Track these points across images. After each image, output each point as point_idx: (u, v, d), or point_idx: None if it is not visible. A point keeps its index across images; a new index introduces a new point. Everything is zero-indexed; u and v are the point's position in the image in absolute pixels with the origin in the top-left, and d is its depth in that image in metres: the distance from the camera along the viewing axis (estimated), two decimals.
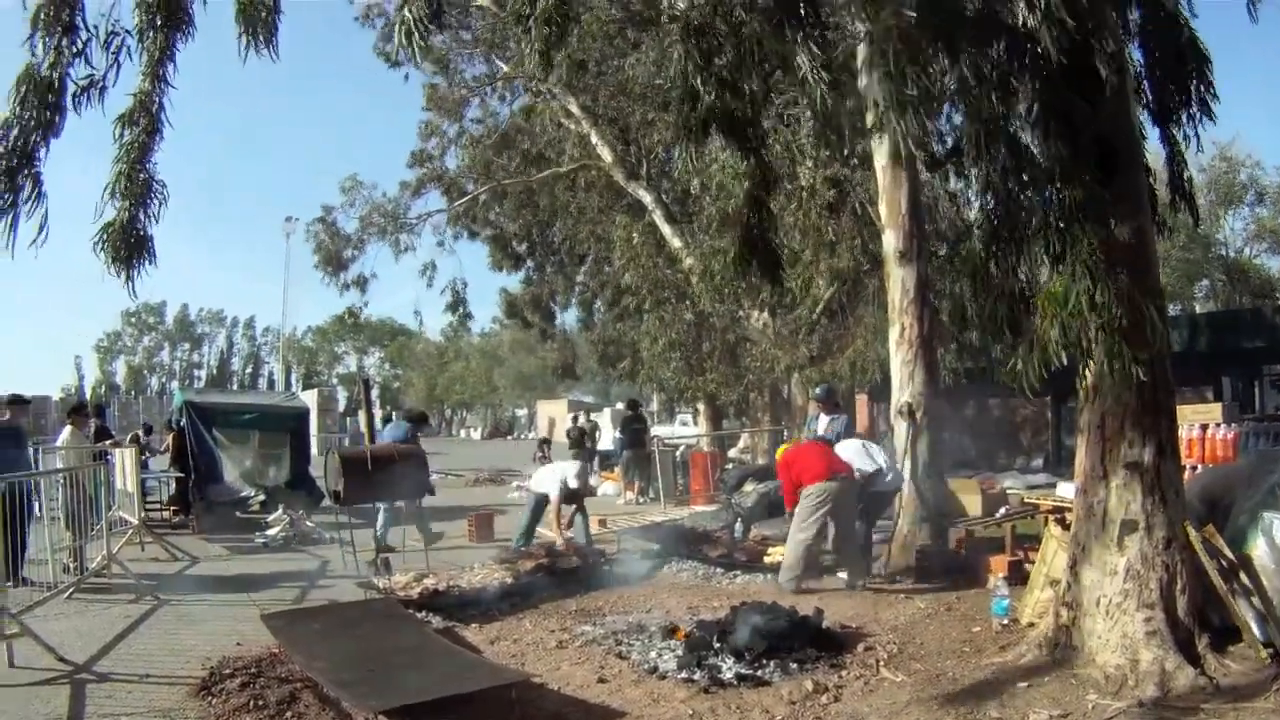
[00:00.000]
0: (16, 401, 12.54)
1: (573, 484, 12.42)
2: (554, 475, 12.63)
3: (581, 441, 27.02)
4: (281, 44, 7.82)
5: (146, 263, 7.49)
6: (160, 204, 7.55)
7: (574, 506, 12.72)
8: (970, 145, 6.79)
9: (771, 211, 8.75)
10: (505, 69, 24.61)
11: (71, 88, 7.23)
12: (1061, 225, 6.32)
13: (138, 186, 7.37)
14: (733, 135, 8.08)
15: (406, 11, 7.48)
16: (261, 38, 7.61)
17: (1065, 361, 6.37)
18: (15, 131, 6.90)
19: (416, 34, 7.29)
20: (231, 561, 13.47)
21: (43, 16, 7.08)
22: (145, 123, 7.47)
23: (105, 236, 7.24)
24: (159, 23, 7.40)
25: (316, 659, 7.25)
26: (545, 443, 29.21)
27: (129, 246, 7.30)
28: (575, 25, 8.05)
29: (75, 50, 7.22)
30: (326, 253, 26.37)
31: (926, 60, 6.79)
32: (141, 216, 7.39)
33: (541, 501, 12.56)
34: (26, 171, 6.90)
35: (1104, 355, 6.21)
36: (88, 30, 7.29)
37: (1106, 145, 6.61)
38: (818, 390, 13.66)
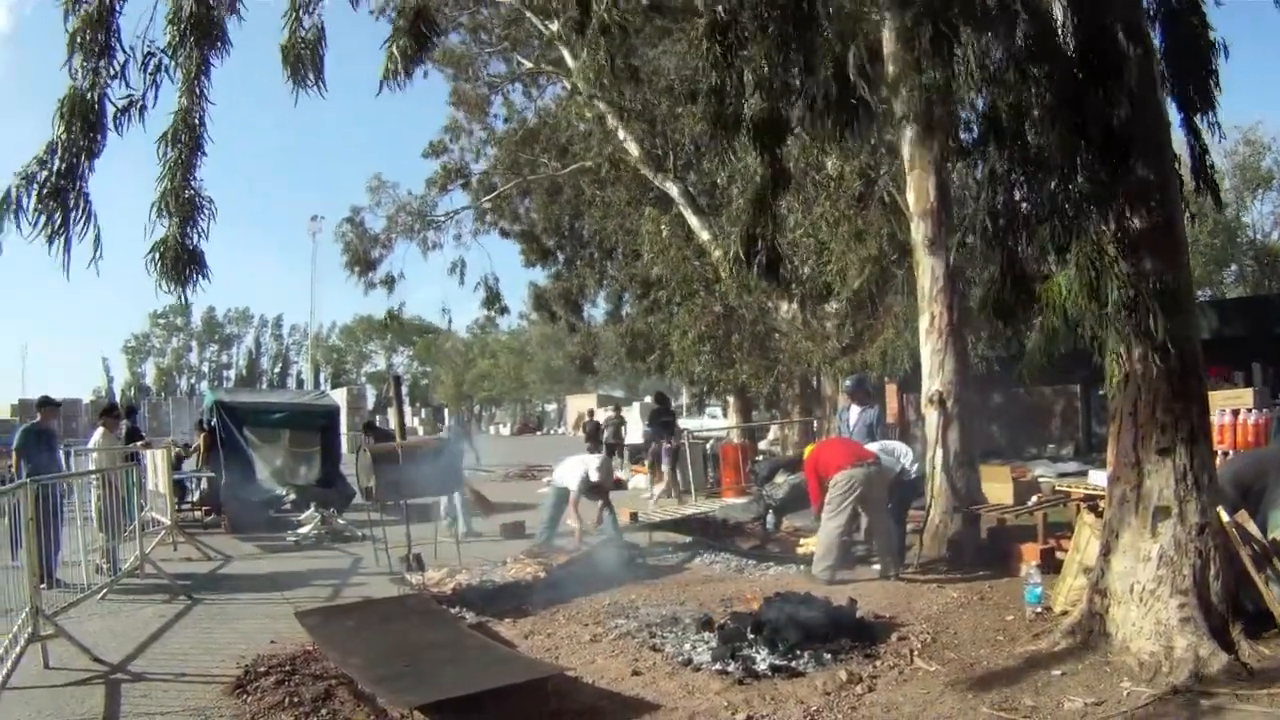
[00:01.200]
0: (47, 404, 12.68)
1: (594, 477, 12.46)
2: (575, 468, 12.65)
3: (596, 435, 27.06)
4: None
5: (200, 277, 7.67)
6: (209, 220, 7.70)
7: (600, 501, 12.73)
8: (983, 136, 6.83)
9: (775, 213, 8.75)
10: (527, 64, 24.66)
11: (111, 108, 7.34)
12: (1070, 215, 6.33)
13: (185, 204, 7.51)
14: (755, 134, 8.09)
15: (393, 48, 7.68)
16: (310, 76, 7.82)
17: (1071, 348, 6.41)
18: (60, 154, 7.00)
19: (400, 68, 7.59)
20: (264, 560, 13.55)
21: (80, 40, 7.18)
22: (187, 139, 7.59)
23: (158, 255, 7.39)
24: (192, 40, 7.52)
25: (351, 655, 7.30)
26: (594, 434, 29.26)
27: (181, 263, 7.44)
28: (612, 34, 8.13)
29: (113, 72, 7.34)
30: (355, 253, 26.43)
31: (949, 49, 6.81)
32: (191, 233, 7.54)
33: (563, 495, 12.63)
34: (74, 193, 7.00)
35: (1113, 345, 6.26)
36: (124, 51, 7.40)
37: (1121, 135, 6.58)
38: (848, 382, 13.62)
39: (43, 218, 6.91)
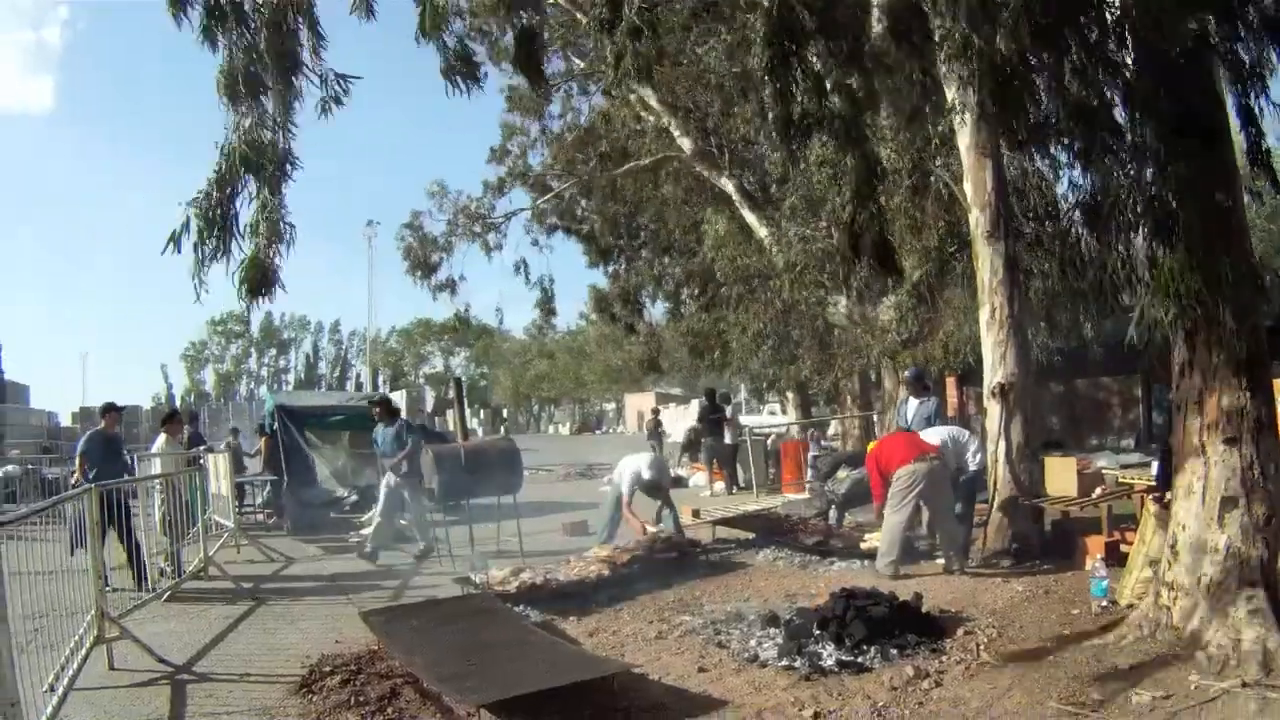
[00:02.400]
0: (111, 409, 12.89)
1: (646, 475, 12.48)
2: (629, 467, 12.67)
3: (658, 433, 27.18)
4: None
5: (273, 293, 8.27)
6: (289, 244, 8.21)
7: (659, 500, 12.74)
8: (1069, 124, 6.81)
9: (881, 205, 8.78)
10: (581, 65, 24.70)
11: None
12: (1172, 201, 6.30)
13: (272, 227, 7.91)
14: (835, 133, 8.12)
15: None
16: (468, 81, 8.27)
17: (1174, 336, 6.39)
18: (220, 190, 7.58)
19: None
20: (326, 561, 13.72)
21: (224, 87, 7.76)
22: (275, 168, 8.00)
23: (244, 273, 7.95)
24: (276, 72, 7.92)
25: (416, 654, 7.39)
26: (655, 432, 29.32)
27: (261, 280, 7.84)
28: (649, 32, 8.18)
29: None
30: (415, 258, 26.59)
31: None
32: (272, 254, 7.96)
33: (620, 495, 12.63)
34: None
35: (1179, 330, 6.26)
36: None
37: (1205, 121, 6.54)
38: (906, 374, 13.60)
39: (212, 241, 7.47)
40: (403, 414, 14.73)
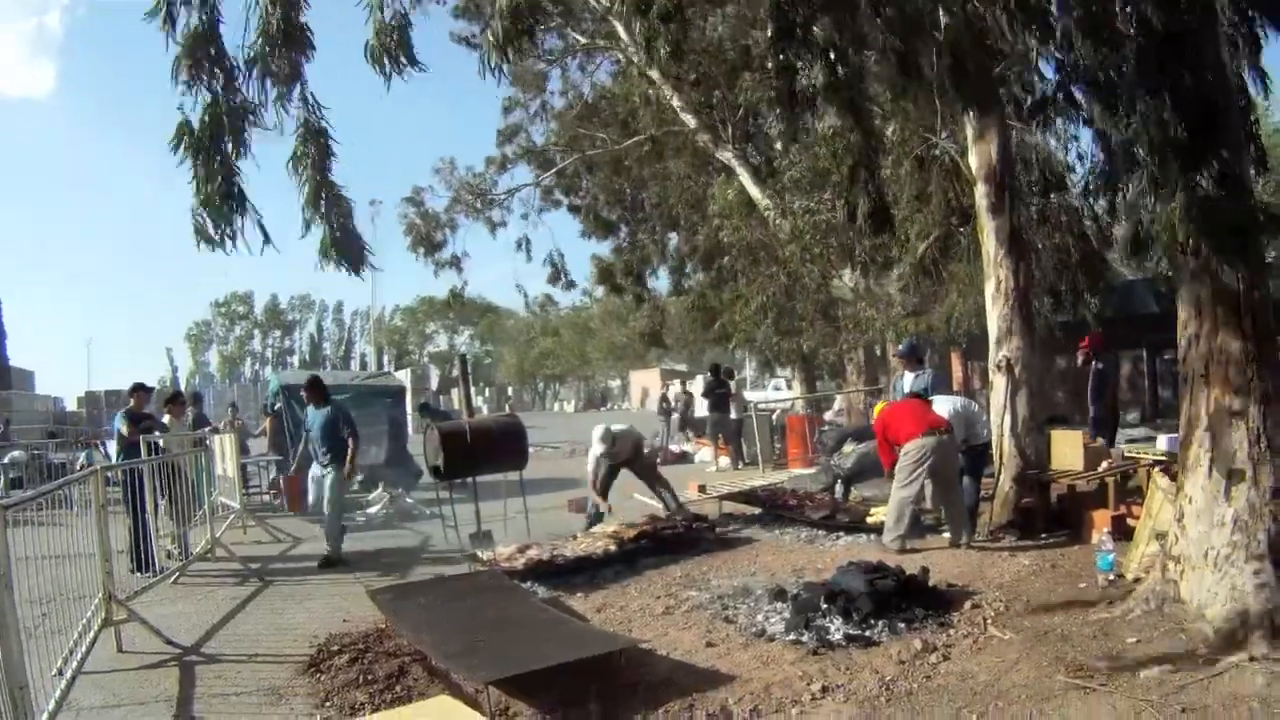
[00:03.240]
0: (140, 389, 13.00)
1: (597, 448, 12.39)
2: (592, 443, 12.59)
3: (669, 410, 27.25)
4: (355, 28, 8.39)
5: (369, 262, 8.76)
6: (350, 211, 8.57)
7: (645, 480, 12.74)
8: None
9: (875, 168, 8.81)
10: (581, 40, 24.58)
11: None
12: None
13: (337, 200, 8.07)
14: (838, 104, 8.11)
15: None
16: (401, 59, 8.13)
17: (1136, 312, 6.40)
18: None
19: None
20: None
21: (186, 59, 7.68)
22: (316, 147, 8.09)
23: (328, 249, 8.34)
24: (282, 49, 7.87)
25: (424, 632, 7.41)
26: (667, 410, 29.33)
27: (352, 252, 7.96)
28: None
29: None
30: (418, 234, 26.52)
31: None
32: (350, 224, 8.13)
33: (600, 464, 12.52)
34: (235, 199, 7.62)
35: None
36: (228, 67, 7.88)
37: (1210, 90, 6.49)
38: (900, 348, 13.62)
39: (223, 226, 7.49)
40: (407, 393, 14.70)
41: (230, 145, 7.83)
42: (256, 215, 8.05)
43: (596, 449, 12.40)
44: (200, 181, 7.73)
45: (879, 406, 11.70)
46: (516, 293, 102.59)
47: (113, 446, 14.05)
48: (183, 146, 7.73)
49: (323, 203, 8.17)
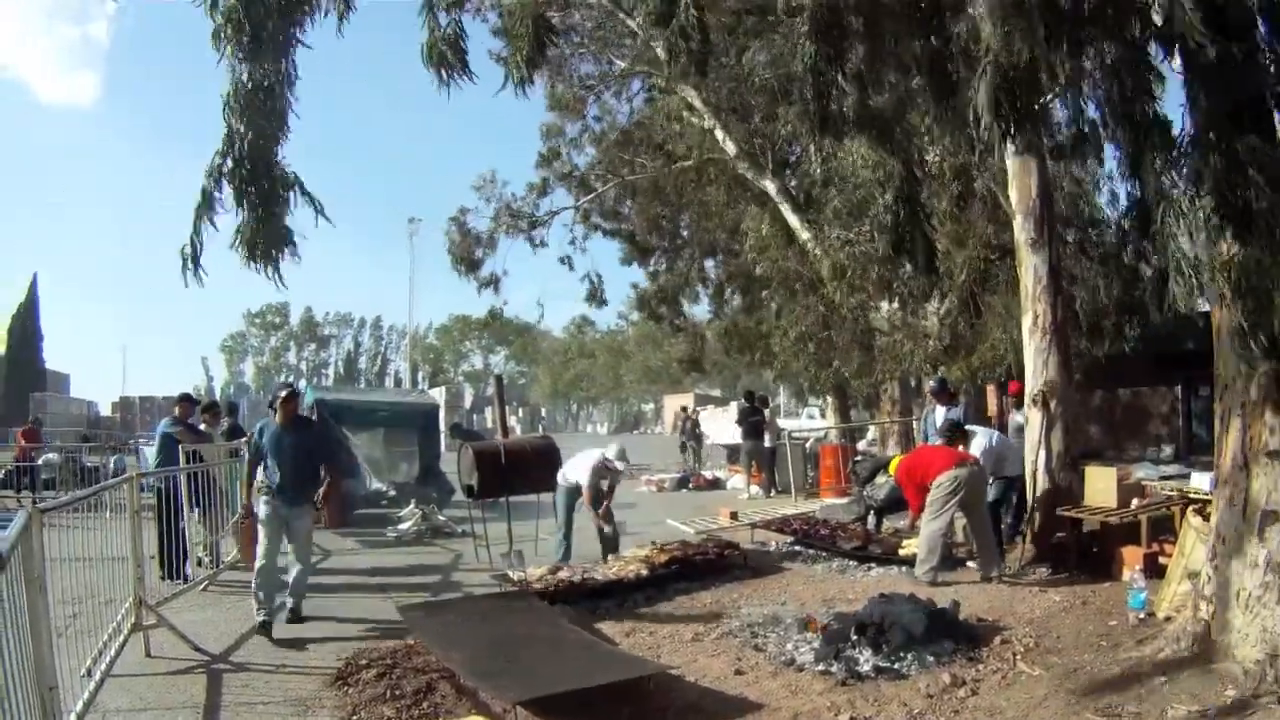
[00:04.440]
0: (186, 400, 13.25)
1: (619, 465, 11.98)
2: (585, 462, 12.02)
3: (695, 434, 27.39)
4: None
5: (290, 254, 8.02)
6: (296, 196, 7.99)
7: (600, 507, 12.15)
8: (1113, 125, 6.77)
9: (923, 205, 8.76)
10: (621, 65, 24.71)
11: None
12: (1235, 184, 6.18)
13: (273, 183, 7.79)
14: (875, 134, 8.13)
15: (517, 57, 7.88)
16: (456, 70, 8.06)
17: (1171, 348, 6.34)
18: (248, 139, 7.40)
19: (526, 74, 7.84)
20: (363, 555, 13.86)
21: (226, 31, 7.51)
22: (273, 120, 7.89)
23: (243, 237, 7.77)
24: (277, 14, 7.75)
25: (452, 650, 7.47)
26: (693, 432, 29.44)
27: (270, 242, 7.75)
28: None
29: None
30: (459, 253, 26.82)
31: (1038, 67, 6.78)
32: (279, 212, 7.82)
33: (575, 494, 12.08)
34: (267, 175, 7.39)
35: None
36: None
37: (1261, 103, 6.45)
38: (931, 383, 13.67)
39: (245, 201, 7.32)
40: (441, 411, 14.61)
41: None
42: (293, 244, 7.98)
43: (620, 466, 12.05)
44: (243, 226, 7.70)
45: (895, 460, 11.71)
46: (538, 306, 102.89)
47: (150, 451, 14.19)
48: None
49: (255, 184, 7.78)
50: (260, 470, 9.49)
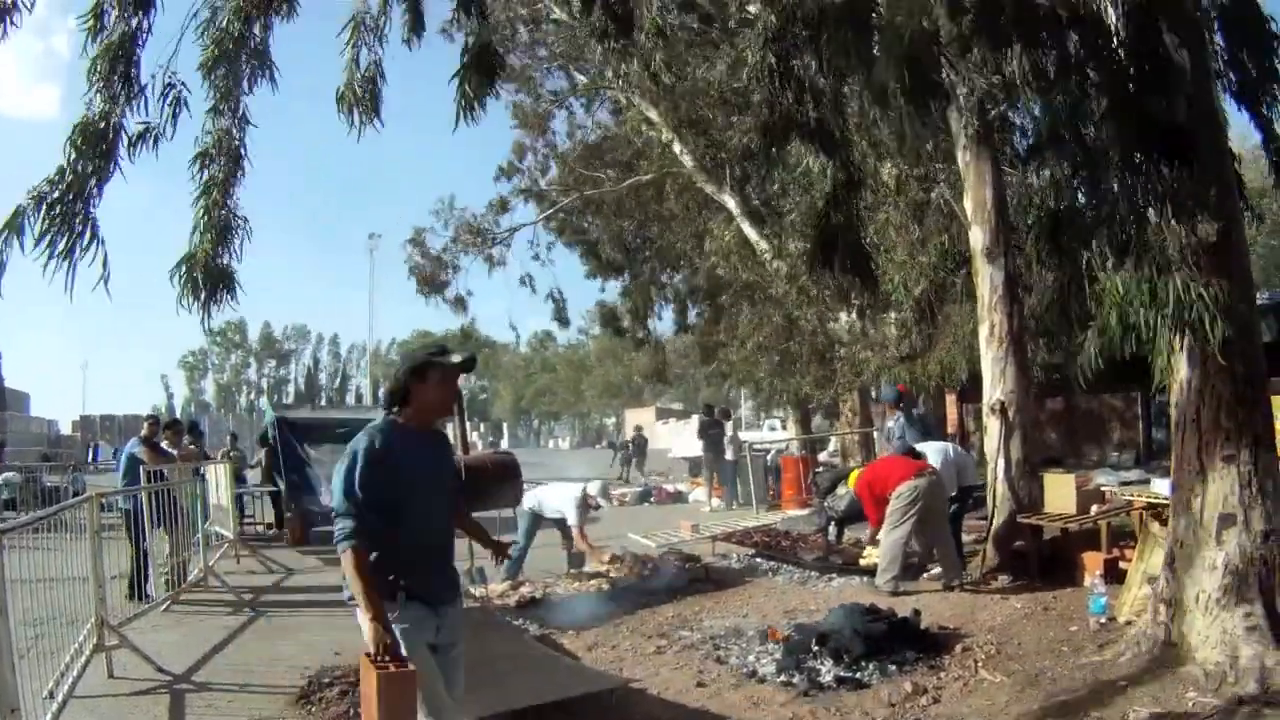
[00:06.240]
0: (153, 420, 13.25)
1: (601, 502, 12.13)
2: (567, 494, 11.93)
3: (643, 450, 27.44)
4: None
5: (227, 298, 7.81)
6: (242, 241, 7.84)
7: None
8: (1038, 140, 6.85)
9: (856, 209, 8.74)
10: (583, 80, 24.75)
11: (126, 137, 7.48)
12: (1129, 217, 6.30)
13: (219, 223, 7.67)
14: (813, 139, 8.12)
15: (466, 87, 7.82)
16: (366, 111, 8.01)
17: (1133, 350, 6.38)
18: (70, 178, 7.13)
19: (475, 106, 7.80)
20: (327, 573, 13.66)
21: (99, 69, 7.33)
22: (225, 162, 7.78)
23: (183, 272, 7.57)
24: (228, 60, 7.69)
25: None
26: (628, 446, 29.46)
27: (209, 281, 7.60)
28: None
29: (128, 97, 7.46)
30: (421, 275, 26.89)
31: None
32: (223, 252, 7.70)
33: (536, 523, 12.05)
34: (81, 216, 7.13)
35: (1164, 350, 6.27)
36: (138, 84, 7.52)
37: (1183, 134, 6.53)
38: (886, 394, 13.74)
39: (47, 239, 7.08)
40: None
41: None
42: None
43: (602, 502, 12.22)
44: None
45: (854, 473, 11.73)
46: (511, 329, 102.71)
47: (118, 473, 14.13)
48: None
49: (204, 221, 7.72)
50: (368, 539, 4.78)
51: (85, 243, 7.10)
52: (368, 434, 4.75)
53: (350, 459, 4.71)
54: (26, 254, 7.01)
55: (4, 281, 7.14)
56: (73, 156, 7.16)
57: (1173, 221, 6.23)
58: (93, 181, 7.23)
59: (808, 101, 7.80)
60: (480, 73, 8.27)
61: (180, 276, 7.55)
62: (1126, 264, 6.29)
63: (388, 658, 4.38)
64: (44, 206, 7.02)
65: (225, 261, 7.72)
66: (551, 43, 24.56)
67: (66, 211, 7.04)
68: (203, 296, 7.58)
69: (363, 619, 4.54)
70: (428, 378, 4.73)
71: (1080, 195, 6.99)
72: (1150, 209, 6.28)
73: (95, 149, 7.25)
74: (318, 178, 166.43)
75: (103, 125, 7.30)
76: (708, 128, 21.15)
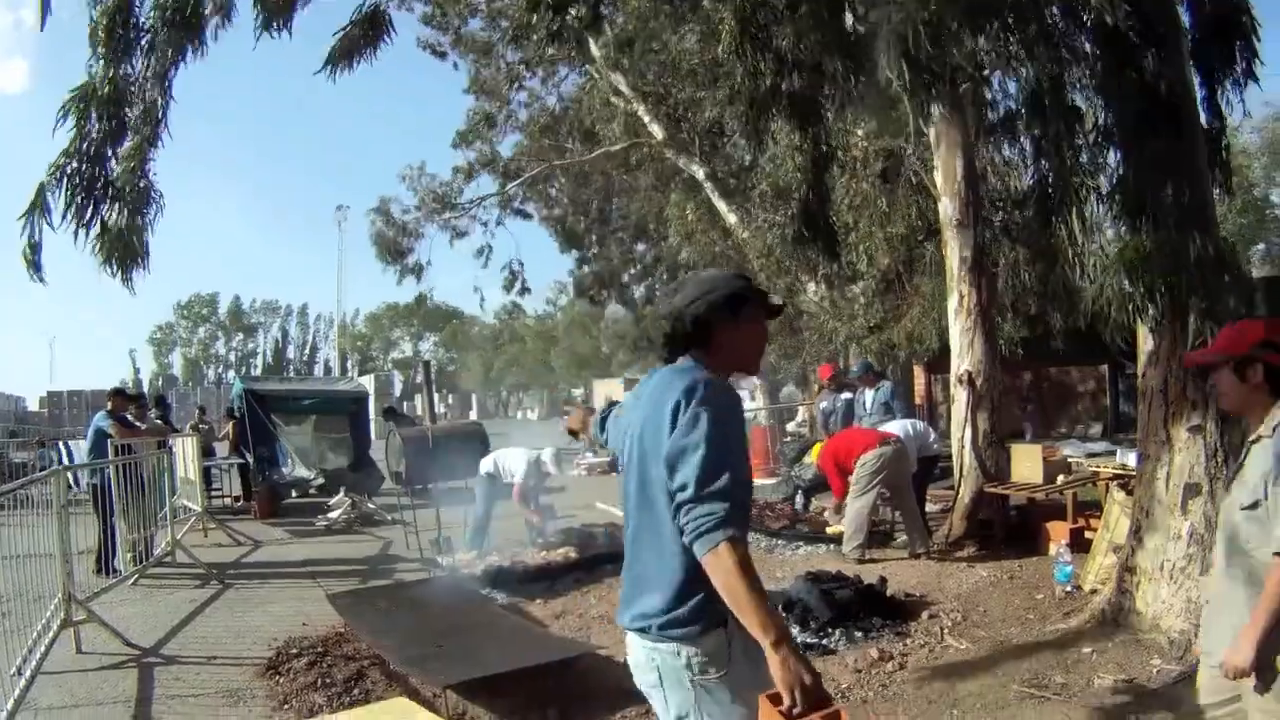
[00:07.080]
0: (118, 394, 13.09)
1: (550, 468, 11.88)
2: (519, 458, 11.82)
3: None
4: (325, 30, 8.12)
5: (142, 267, 7.79)
6: (157, 212, 7.80)
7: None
8: (1026, 111, 6.83)
9: (828, 187, 8.75)
10: (550, 51, 24.58)
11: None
12: (1137, 182, 6.31)
13: (138, 194, 7.61)
14: (793, 113, 8.10)
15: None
16: (278, 23, 7.92)
17: (1129, 319, 6.40)
18: (86, 145, 7.11)
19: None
20: (294, 545, 13.72)
21: (101, 29, 7.29)
22: (147, 131, 7.70)
23: (102, 243, 7.61)
24: (168, 33, 7.61)
25: (383, 637, 7.43)
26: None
27: (125, 251, 7.55)
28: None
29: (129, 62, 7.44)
30: (385, 243, 26.70)
31: (951, 39, 6.82)
32: (139, 224, 7.65)
33: (493, 489, 11.84)
34: (102, 181, 7.13)
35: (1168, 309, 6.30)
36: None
37: (1171, 104, 6.56)
38: (854, 369, 13.79)
39: (72, 210, 7.05)
40: (371, 399, 14.45)
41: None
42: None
43: (551, 469, 11.92)
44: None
45: (816, 448, 11.77)
46: (479, 299, 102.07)
47: (81, 447, 13.97)
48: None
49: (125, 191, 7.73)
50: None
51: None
52: (711, 384, 3.00)
53: (712, 410, 2.90)
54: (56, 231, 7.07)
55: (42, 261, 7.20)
56: (82, 127, 7.17)
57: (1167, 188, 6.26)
58: (108, 147, 7.26)
59: (789, 74, 7.79)
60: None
61: (100, 249, 7.66)
62: (1139, 228, 6.29)
63: (808, 705, 2.70)
64: (64, 178, 7.02)
65: (140, 233, 7.75)
66: (513, 12, 24.39)
67: (88, 177, 7.06)
68: (120, 266, 7.64)
69: (768, 649, 2.77)
70: (741, 314, 3.18)
71: (1065, 162, 6.97)
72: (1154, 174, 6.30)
73: (108, 112, 7.26)
74: (287, 153, 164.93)
75: (109, 89, 7.30)
76: (676, 100, 21.05)
